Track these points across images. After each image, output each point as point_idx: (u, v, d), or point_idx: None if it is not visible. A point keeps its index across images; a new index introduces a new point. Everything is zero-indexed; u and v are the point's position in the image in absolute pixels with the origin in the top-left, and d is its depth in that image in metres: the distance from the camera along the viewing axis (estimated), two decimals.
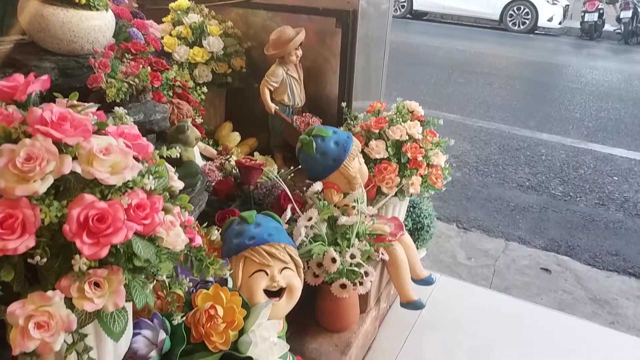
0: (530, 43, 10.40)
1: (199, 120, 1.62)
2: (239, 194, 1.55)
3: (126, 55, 1.51)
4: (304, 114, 1.95)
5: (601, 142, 4.65)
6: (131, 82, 1.31)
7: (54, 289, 0.70)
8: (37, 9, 1.22)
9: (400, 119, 1.79)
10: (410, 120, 1.80)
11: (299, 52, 1.86)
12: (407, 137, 1.75)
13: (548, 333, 1.84)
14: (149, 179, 0.76)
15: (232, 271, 1.16)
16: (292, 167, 1.67)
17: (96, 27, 1.28)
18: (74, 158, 0.70)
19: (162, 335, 0.99)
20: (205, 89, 1.69)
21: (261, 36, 2.03)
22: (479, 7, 11.47)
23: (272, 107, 1.90)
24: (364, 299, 1.58)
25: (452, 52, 8.59)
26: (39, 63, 1.27)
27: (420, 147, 1.76)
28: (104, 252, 0.68)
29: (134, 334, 0.95)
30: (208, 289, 1.07)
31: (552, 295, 2.35)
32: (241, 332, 1.07)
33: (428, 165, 1.79)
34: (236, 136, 2.02)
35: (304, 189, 1.58)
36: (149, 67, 1.39)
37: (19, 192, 0.65)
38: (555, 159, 4.19)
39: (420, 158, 1.75)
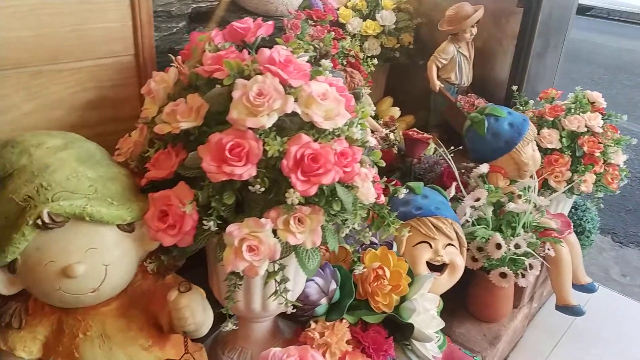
0: None
1: (367, 91, 1.64)
2: (400, 166, 1.55)
3: (309, 21, 1.57)
4: (469, 94, 1.88)
5: None
6: (316, 45, 1.35)
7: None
8: None
9: (579, 109, 1.66)
10: (590, 112, 1.66)
11: (474, 30, 1.79)
12: (585, 129, 1.62)
13: None
14: (356, 128, 0.78)
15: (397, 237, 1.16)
16: (451, 147, 1.62)
17: None
18: (295, 99, 0.74)
19: (333, 285, 1.02)
20: (375, 61, 1.69)
21: (432, 13, 1.99)
22: None
23: (437, 84, 1.86)
24: (518, 294, 1.50)
25: (619, 51, 7.74)
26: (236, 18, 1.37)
27: (599, 142, 1.62)
28: (313, 190, 0.71)
29: (307, 280, 0.99)
30: (375, 250, 1.09)
31: None
32: (403, 298, 1.07)
33: (605, 162, 1.64)
34: (396, 111, 2.02)
35: (464, 170, 1.53)
36: (332, 33, 1.43)
37: (249, 124, 0.70)
38: None
39: (597, 154, 1.60)
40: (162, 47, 1.10)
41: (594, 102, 1.70)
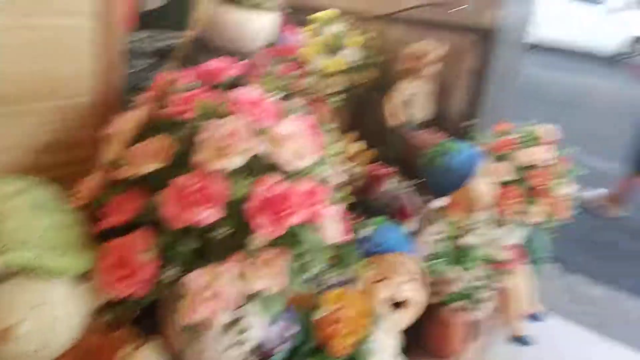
0: None
1: (331, 128, 1.67)
2: (360, 202, 1.57)
3: (275, 58, 1.60)
4: (427, 128, 1.95)
5: None
6: (284, 83, 1.38)
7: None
8: (215, 8, 1.33)
9: (530, 143, 1.75)
10: (541, 145, 1.75)
11: (434, 67, 1.87)
12: (536, 162, 1.70)
13: None
14: (323, 168, 0.80)
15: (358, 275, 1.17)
16: (409, 181, 1.66)
17: (262, 27, 1.37)
18: (265, 139, 0.75)
19: (293, 329, 1.00)
20: (339, 98, 1.74)
21: (394, 49, 2.06)
22: (595, 41, 10.64)
23: (398, 119, 1.92)
24: (473, 327, 1.54)
25: (566, 86, 8.18)
26: (204, 59, 1.37)
27: (550, 175, 1.70)
28: (280, 232, 0.72)
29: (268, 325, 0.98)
30: (336, 290, 1.08)
31: None
32: (363, 339, 1.07)
33: (555, 194, 1.72)
34: (356, 146, 2.05)
35: (423, 204, 1.57)
36: (298, 71, 1.46)
37: (217, 166, 0.71)
38: None
39: (548, 185, 1.69)
40: (129, 84, 1.10)
41: (543, 136, 1.79)
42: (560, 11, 10.11)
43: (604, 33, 10.45)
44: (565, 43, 10.90)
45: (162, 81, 0.87)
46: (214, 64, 0.84)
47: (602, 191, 3.37)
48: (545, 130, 1.78)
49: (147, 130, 0.82)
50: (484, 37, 1.86)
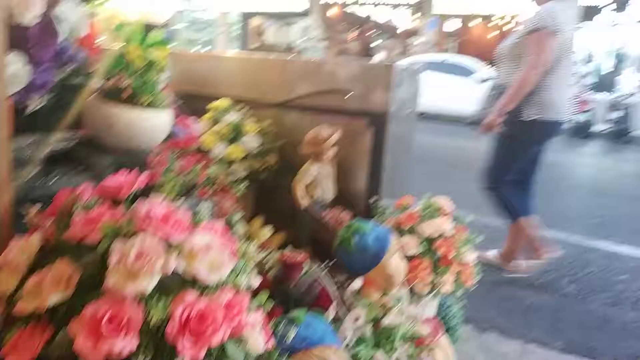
0: None
1: (237, 217, 1.65)
2: (277, 292, 1.54)
3: (173, 152, 1.57)
4: (333, 208, 1.99)
5: (605, 239, 4.68)
6: (184, 178, 1.35)
7: None
8: (104, 108, 1.29)
9: (431, 215, 1.84)
10: (440, 216, 1.84)
11: (333, 150, 1.94)
12: (439, 234, 1.78)
13: None
14: (240, 275, 0.77)
15: None
16: (323, 262, 1.67)
17: (156, 125, 1.35)
18: (178, 254, 0.72)
19: None
20: (243, 186, 1.73)
21: (294, 133, 2.12)
22: (459, 105, 11.81)
23: (304, 202, 1.94)
24: None
25: (447, 149, 8.88)
26: (98, 160, 1.32)
27: (452, 245, 1.79)
28: (203, 353, 0.68)
29: None
30: None
31: None
32: None
33: (459, 262, 1.80)
34: (266, 232, 2.04)
35: (339, 286, 1.58)
36: (200, 164, 1.44)
37: (128, 291, 0.66)
38: (563, 256, 4.20)
39: (452, 255, 1.76)
40: (18, 197, 1.00)
41: (441, 207, 1.90)
42: (439, 84, 11.59)
43: (474, 100, 11.63)
44: (445, 111, 12.12)
45: (60, 200, 0.81)
46: (115, 179, 0.80)
47: (496, 251, 3.60)
48: (442, 202, 1.89)
49: (46, 256, 0.75)
50: (377, 119, 1.98)
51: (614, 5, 14.02)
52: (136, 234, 0.70)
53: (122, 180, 0.80)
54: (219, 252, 0.75)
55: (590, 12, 14.41)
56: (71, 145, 1.29)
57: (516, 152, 3.00)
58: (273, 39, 24.48)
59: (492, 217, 3.98)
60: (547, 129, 2.89)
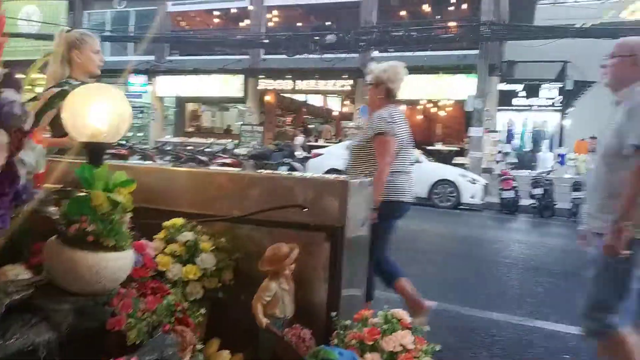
0: (457, 219, 11.26)
1: (199, 347, 1.61)
2: None
3: (131, 283, 1.53)
4: (294, 326, 1.97)
5: (544, 319, 4.87)
6: (149, 319, 1.31)
7: None
8: (66, 253, 1.26)
9: (391, 328, 1.86)
10: (401, 329, 1.87)
11: (292, 267, 1.95)
12: (400, 348, 1.80)
13: None
14: None
15: None
16: None
17: (121, 266, 1.32)
18: None
19: None
20: (203, 310, 1.69)
21: (248, 247, 2.12)
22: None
23: (264, 321, 1.92)
24: None
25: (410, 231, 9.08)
26: (57, 306, 1.26)
27: (414, 358, 1.80)
28: None
29: None
30: None
31: None
32: None
33: None
34: (226, 354, 1.97)
35: None
36: (164, 301, 1.41)
37: None
38: (507, 339, 4.31)
39: None
40: None
41: (401, 319, 1.93)
42: None
43: (422, 182, 12.29)
44: None
45: None
46: None
47: None
48: (401, 313, 1.92)
49: None
50: (333, 233, 2.03)
51: (525, 92, 15.51)
52: None
53: None
54: None
55: (507, 96, 15.85)
56: (30, 294, 1.23)
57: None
58: (210, 123, 24.81)
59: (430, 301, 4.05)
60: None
